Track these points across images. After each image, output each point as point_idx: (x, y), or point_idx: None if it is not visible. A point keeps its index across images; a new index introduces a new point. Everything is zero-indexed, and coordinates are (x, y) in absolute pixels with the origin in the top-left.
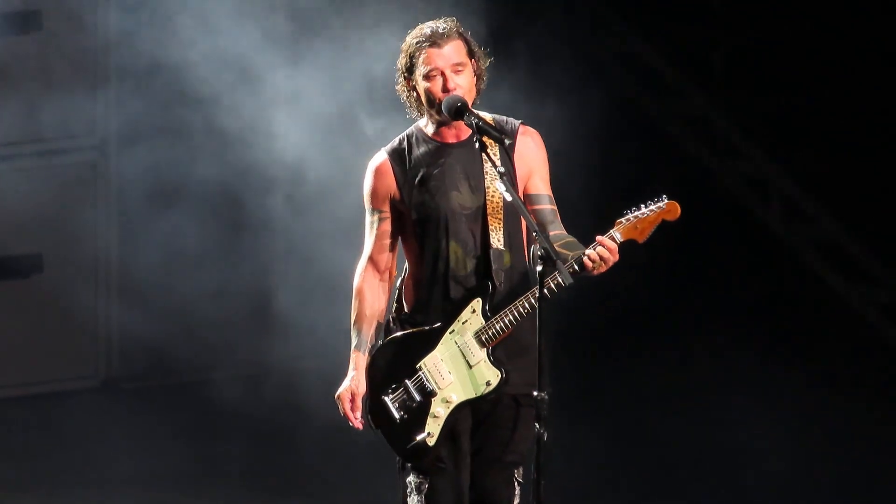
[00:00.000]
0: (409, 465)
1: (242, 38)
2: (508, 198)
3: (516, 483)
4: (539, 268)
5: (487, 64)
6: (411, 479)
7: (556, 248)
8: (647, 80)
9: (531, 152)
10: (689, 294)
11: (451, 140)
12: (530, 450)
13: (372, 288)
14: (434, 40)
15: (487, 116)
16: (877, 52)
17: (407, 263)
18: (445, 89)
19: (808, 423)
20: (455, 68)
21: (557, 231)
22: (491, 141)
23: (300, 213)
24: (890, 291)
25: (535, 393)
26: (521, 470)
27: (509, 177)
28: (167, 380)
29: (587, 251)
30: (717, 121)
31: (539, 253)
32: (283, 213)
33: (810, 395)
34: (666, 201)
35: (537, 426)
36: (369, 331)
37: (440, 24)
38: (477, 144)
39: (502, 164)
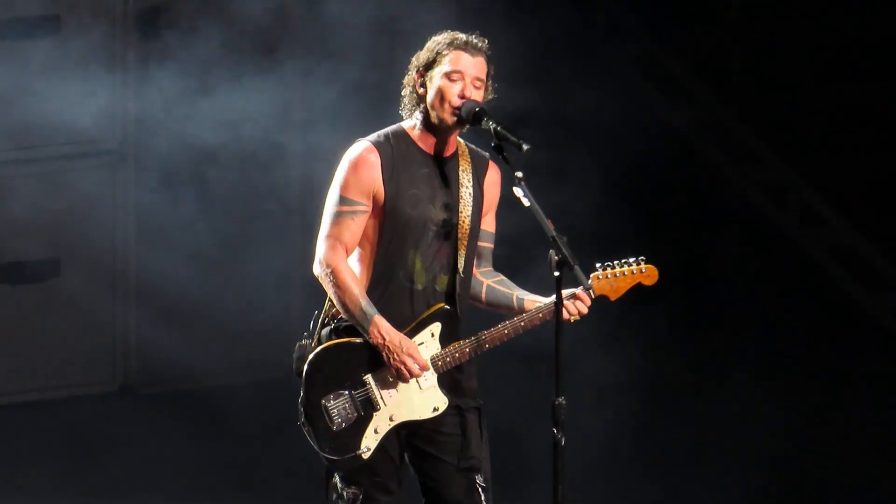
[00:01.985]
0: (340, 474)
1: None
2: (527, 203)
3: (480, 489)
4: (557, 273)
5: (491, 96)
6: (343, 489)
7: (490, 284)
8: (664, 85)
9: (495, 189)
10: (706, 300)
11: (437, 153)
12: (483, 457)
13: (350, 267)
14: (468, 47)
15: (461, 141)
16: None
17: (355, 265)
18: (462, 95)
19: (825, 428)
20: (475, 81)
21: (489, 268)
22: (466, 165)
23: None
24: None
25: (554, 398)
26: (481, 475)
27: (478, 205)
28: (185, 385)
29: (566, 301)
30: (734, 126)
31: (556, 258)
32: (303, 221)
33: (827, 399)
34: (645, 265)
35: (555, 431)
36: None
37: (474, 38)
38: (495, 149)
39: (474, 192)
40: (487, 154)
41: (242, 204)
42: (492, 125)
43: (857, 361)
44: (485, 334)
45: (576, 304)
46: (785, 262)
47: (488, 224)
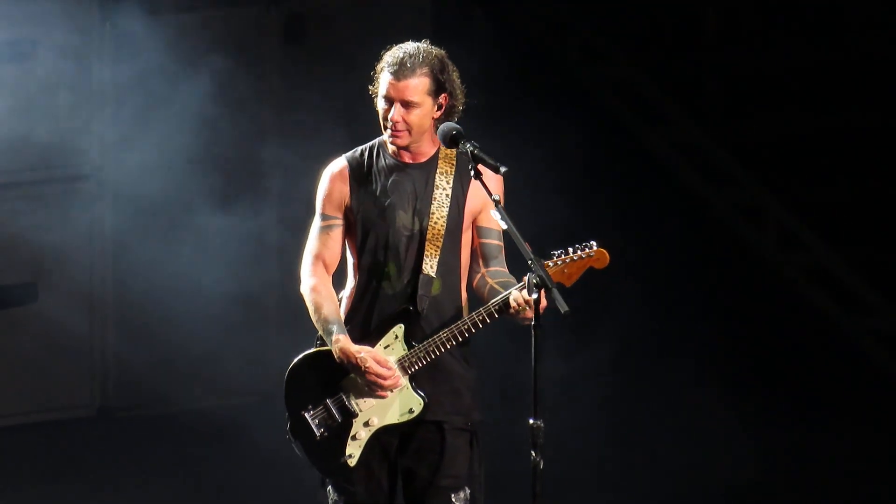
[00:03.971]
0: (331, 483)
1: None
2: (504, 226)
3: None
4: (534, 296)
5: (461, 97)
6: (332, 496)
7: (493, 285)
8: (640, 108)
9: (490, 183)
10: (685, 321)
11: (410, 160)
12: (471, 474)
13: (326, 284)
14: (396, 70)
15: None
16: (873, 80)
17: (349, 278)
18: (393, 119)
19: (802, 451)
20: (406, 104)
21: (499, 268)
22: (448, 167)
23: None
24: (885, 320)
25: (532, 421)
26: (461, 493)
27: (458, 205)
28: (163, 408)
29: (512, 294)
30: (710, 149)
31: (534, 281)
32: (280, 244)
33: (803, 422)
34: (595, 248)
35: (533, 454)
36: (340, 317)
37: (410, 57)
38: (472, 172)
39: (454, 192)
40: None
41: (223, 229)
42: (469, 148)
43: (833, 383)
44: (445, 332)
45: (514, 298)
46: (762, 285)
47: (487, 220)
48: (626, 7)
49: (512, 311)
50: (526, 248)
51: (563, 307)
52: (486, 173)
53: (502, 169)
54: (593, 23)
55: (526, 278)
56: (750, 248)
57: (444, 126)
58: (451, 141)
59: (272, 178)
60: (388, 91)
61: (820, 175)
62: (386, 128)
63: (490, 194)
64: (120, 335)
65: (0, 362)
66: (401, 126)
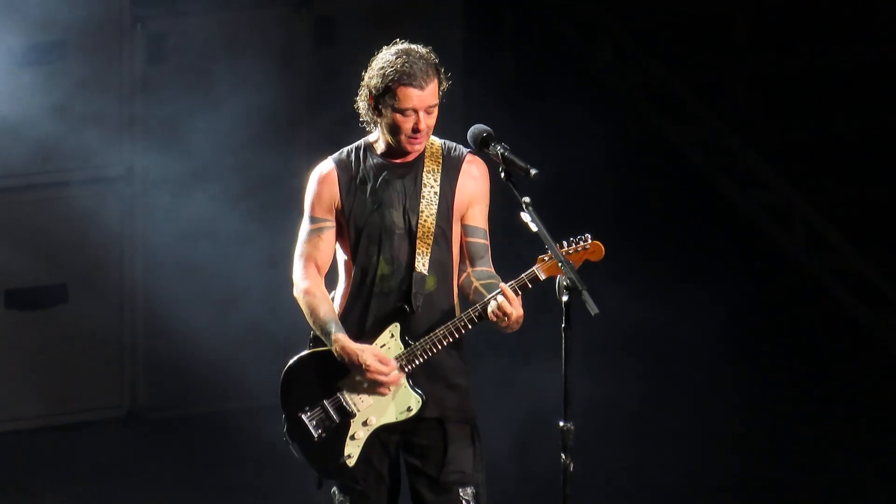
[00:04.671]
0: (336, 484)
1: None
2: (534, 228)
3: (465, 502)
4: (565, 298)
5: (445, 87)
6: (339, 497)
7: (477, 286)
8: (670, 108)
9: (475, 183)
10: (710, 322)
11: (398, 160)
12: (474, 470)
13: (320, 286)
14: (417, 79)
15: (437, 142)
16: None
17: (341, 278)
18: (416, 129)
19: (834, 453)
20: (429, 109)
21: (485, 268)
22: (435, 165)
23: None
24: None
25: (562, 423)
26: (468, 489)
27: (446, 202)
28: (193, 410)
29: (491, 303)
30: (739, 150)
31: (564, 283)
32: None
33: (833, 423)
34: (590, 241)
35: (563, 456)
36: (336, 317)
37: (420, 61)
38: (503, 174)
39: (442, 190)
40: (466, 149)
41: (253, 229)
42: (499, 150)
43: (862, 383)
44: (441, 329)
45: (500, 302)
46: (790, 286)
47: (473, 219)
48: (657, 8)
49: (492, 318)
50: (557, 251)
51: (592, 309)
52: (468, 172)
53: (533, 171)
54: (623, 24)
55: (501, 287)
56: (778, 249)
57: (474, 128)
58: (481, 143)
59: (300, 181)
60: (414, 103)
61: (850, 176)
62: (409, 137)
63: (519, 197)
64: (149, 337)
65: (30, 364)
66: (427, 132)
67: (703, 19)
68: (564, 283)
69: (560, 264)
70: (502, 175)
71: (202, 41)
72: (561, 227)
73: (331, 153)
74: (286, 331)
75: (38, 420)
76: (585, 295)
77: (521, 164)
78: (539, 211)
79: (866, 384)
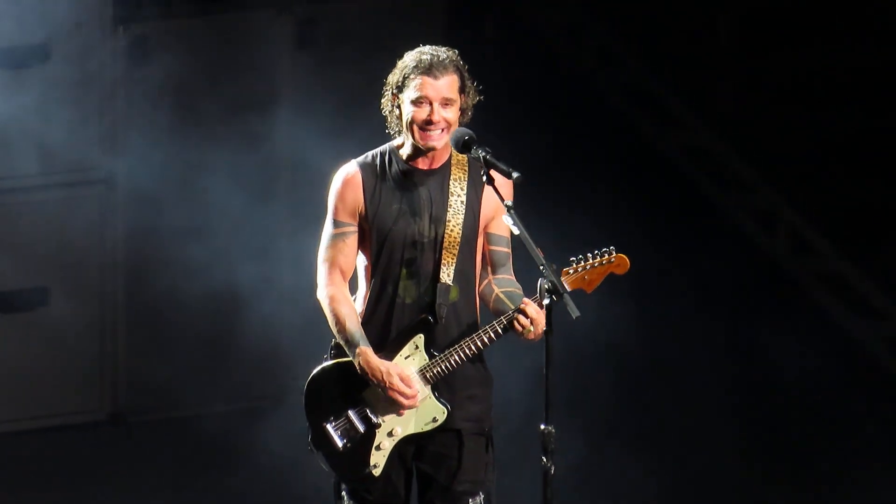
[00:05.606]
0: (346, 491)
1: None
2: (516, 231)
3: None
4: (546, 301)
5: (475, 101)
6: (347, 502)
7: (499, 293)
8: (653, 112)
9: (503, 189)
10: (694, 326)
11: (424, 167)
12: (486, 479)
13: (345, 293)
14: (431, 69)
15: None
16: (888, 86)
17: (361, 283)
18: (429, 121)
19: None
20: (444, 102)
21: (506, 275)
22: (461, 173)
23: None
24: None
25: (543, 426)
26: (478, 499)
27: (473, 212)
28: (175, 413)
29: (518, 314)
30: (723, 153)
31: (546, 286)
32: (291, 248)
33: (819, 426)
34: (615, 254)
35: (544, 460)
36: (361, 329)
37: (441, 54)
38: (484, 178)
39: (468, 200)
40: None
41: (234, 232)
42: (481, 153)
43: (849, 390)
44: (466, 341)
45: (523, 319)
46: (774, 289)
47: (497, 228)
48: (640, 12)
49: (518, 331)
50: (538, 254)
51: (574, 312)
52: (498, 178)
53: (515, 175)
54: (606, 28)
55: (537, 290)
56: (762, 253)
57: (456, 131)
58: (463, 146)
59: (283, 182)
60: (426, 92)
61: (834, 179)
62: (423, 130)
63: (503, 200)
64: (131, 340)
65: (11, 366)
66: (442, 125)
67: (686, 22)
68: (546, 286)
69: (541, 267)
70: (484, 178)
71: (185, 44)
72: (540, 230)
73: (318, 154)
74: (268, 334)
75: (19, 423)
76: (566, 298)
77: (503, 167)
78: (519, 213)
79: (850, 387)
